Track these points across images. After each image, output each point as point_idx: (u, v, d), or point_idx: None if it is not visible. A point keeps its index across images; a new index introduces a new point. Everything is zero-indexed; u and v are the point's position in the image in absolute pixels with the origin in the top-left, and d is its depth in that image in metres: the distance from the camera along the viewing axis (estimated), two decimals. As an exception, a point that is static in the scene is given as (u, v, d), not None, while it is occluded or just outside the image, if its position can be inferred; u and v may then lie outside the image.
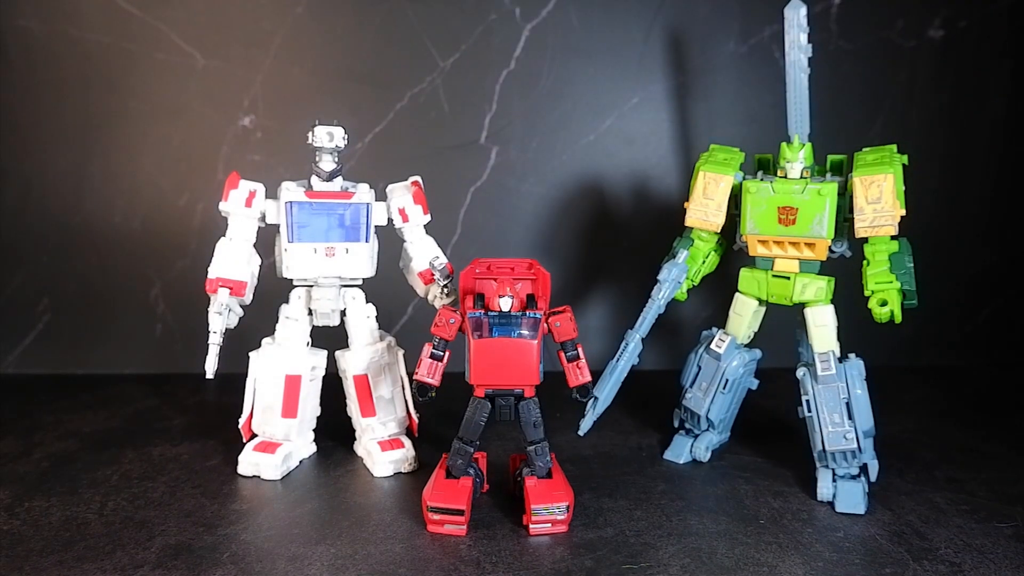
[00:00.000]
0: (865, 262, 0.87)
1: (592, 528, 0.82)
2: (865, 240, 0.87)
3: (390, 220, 0.98)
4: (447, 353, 0.85)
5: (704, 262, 0.98)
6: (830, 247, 0.89)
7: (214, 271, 0.93)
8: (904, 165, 0.86)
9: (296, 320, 0.98)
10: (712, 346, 0.98)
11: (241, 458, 0.96)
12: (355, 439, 1.04)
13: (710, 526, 0.83)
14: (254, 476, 0.95)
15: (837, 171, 0.90)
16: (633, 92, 1.39)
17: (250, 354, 0.98)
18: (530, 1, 1.36)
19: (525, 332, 0.81)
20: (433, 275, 0.99)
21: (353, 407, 1.01)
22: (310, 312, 0.98)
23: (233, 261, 0.94)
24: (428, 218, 0.99)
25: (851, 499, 0.87)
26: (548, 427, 0.84)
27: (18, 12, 1.32)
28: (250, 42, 1.35)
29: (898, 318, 0.84)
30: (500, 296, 0.82)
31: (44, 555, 0.76)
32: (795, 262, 0.92)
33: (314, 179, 0.95)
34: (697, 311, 1.42)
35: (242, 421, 0.98)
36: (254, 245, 0.96)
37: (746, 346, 0.98)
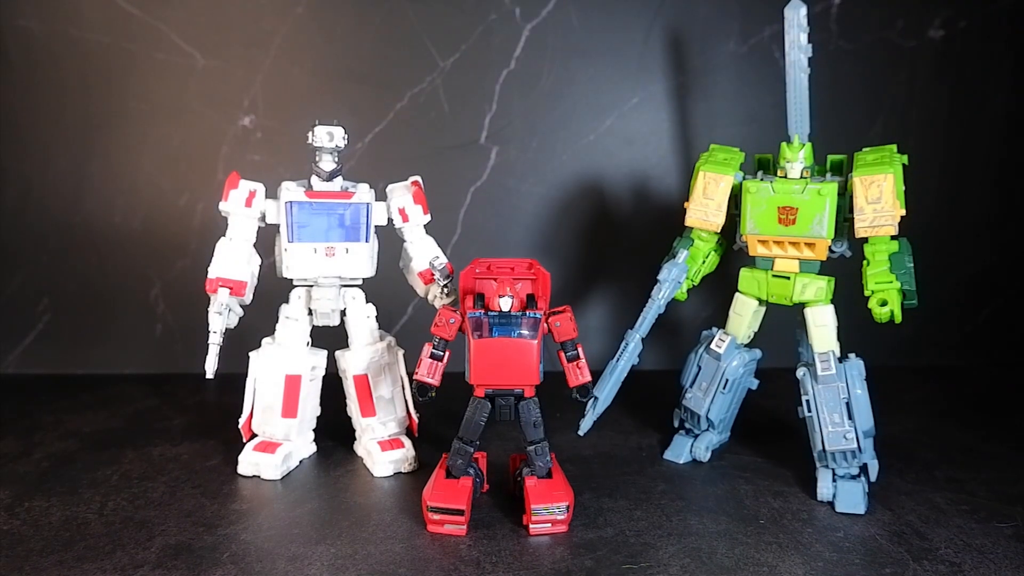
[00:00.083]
0: (865, 262, 0.87)
1: (592, 528, 0.82)
2: (865, 240, 0.87)
3: (390, 220, 0.98)
4: (447, 353, 0.85)
5: (704, 262, 0.98)
6: (830, 247, 0.89)
7: (214, 271, 0.93)
8: (904, 165, 0.86)
9: (296, 320, 0.98)
10: (712, 346, 0.98)
11: (241, 458, 0.96)
12: (355, 439, 1.04)
13: (710, 526, 0.83)
14: (254, 476, 0.95)
15: (837, 171, 0.90)
16: (633, 92, 1.39)
17: (250, 354, 0.98)
18: (530, 1, 1.36)
19: (525, 332, 0.81)
20: (433, 275, 0.99)
21: (353, 407, 1.01)
22: (310, 312, 0.98)
23: (233, 261, 0.94)
24: (428, 218, 0.99)
25: (851, 499, 0.86)
26: (548, 427, 0.84)
27: (18, 12, 1.32)
28: (250, 42, 1.35)
29: (898, 318, 0.84)
30: (500, 296, 0.82)
31: (44, 555, 0.76)
32: (795, 262, 0.92)
33: (314, 179, 0.95)
34: (697, 311, 1.42)
35: (242, 421, 0.98)
36: (254, 245, 0.96)
37: (746, 346, 0.98)
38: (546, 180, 1.41)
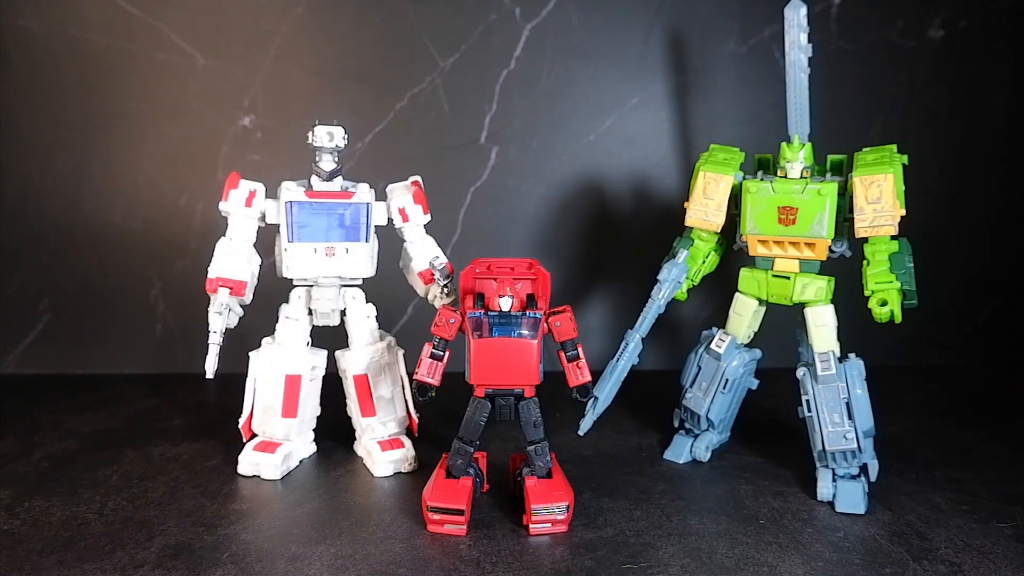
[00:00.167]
0: (865, 262, 0.87)
1: (592, 528, 0.82)
2: (865, 240, 0.87)
3: (390, 220, 0.98)
4: (447, 353, 0.85)
5: (704, 262, 0.98)
6: (830, 247, 0.89)
7: (214, 271, 0.93)
8: (904, 165, 0.86)
9: (296, 320, 0.98)
10: (712, 346, 0.98)
11: (241, 458, 0.96)
12: (355, 439, 1.04)
13: (710, 526, 0.83)
14: (254, 476, 0.95)
15: (837, 171, 0.90)
16: (633, 92, 1.39)
17: (250, 354, 0.98)
18: (530, 1, 1.36)
19: (525, 332, 0.81)
20: (433, 275, 0.99)
21: (353, 407, 1.01)
22: (310, 312, 0.98)
23: (233, 261, 0.94)
24: (428, 218, 0.99)
25: (851, 499, 0.86)
26: (548, 427, 0.84)
27: (18, 12, 1.32)
28: (250, 42, 1.35)
29: (898, 318, 0.84)
30: (500, 296, 0.82)
31: (44, 555, 0.76)
32: (795, 262, 0.92)
33: (314, 179, 0.95)
34: (697, 311, 1.42)
35: (242, 421, 0.98)
36: (254, 245, 0.96)
37: (746, 346, 0.98)
38: (546, 180, 1.41)
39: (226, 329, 0.94)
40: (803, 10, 0.88)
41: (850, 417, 0.88)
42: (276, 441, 0.98)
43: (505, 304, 0.82)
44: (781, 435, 1.08)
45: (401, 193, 0.99)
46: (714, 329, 1.00)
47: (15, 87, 1.35)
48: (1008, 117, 1.42)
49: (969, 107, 1.42)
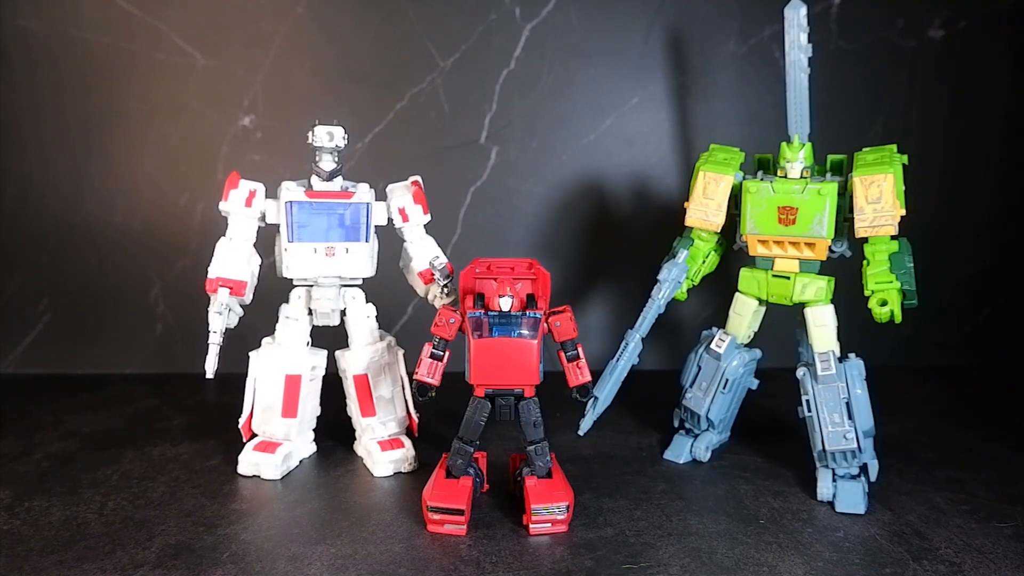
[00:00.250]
0: (865, 262, 0.87)
1: (592, 528, 0.82)
2: (865, 240, 0.87)
3: (390, 220, 0.98)
4: (447, 353, 0.85)
5: (704, 262, 0.98)
6: (830, 247, 0.89)
7: (214, 271, 0.93)
8: (904, 165, 0.86)
9: (296, 320, 0.98)
10: (712, 346, 0.98)
11: (241, 458, 0.96)
12: (355, 439, 1.04)
13: (710, 526, 0.83)
14: (254, 476, 0.95)
15: (837, 171, 0.90)
16: (633, 92, 1.39)
17: (250, 354, 0.98)
18: (530, 1, 1.36)
19: (525, 332, 0.81)
20: (433, 275, 0.99)
21: (353, 407, 1.01)
22: (310, 312, 0.98)
23: (233, 261, 0.94)
24: (428, 218, 0.99)
25: (851, 499, 0.86)
26: (548, 427, 0.84)
27: (18, 12, 1.32)
28: (250, 42, 1.35)
29: (898, 318, 0.84)
30: (500, 296, 0.82)
31: (44, 555, 0.76)
32: (795, 262, 0.92)
33: (314, 179, 0.95)
34: (697, 311, 1.42)
35: (242, 421, 0.98)
36: (254, 245, 0.96)
37: (746, 346, 0.98)
38: (546, 180, 1.41)
39: (226, 329, 0.94)
40: (803, 10, 0.88)
41: (850, 417, 0.88)
42: (276, 441, 0.98)
43: (505, 304, 0.82)
44: (781, 435, 1.08)
45: (401, 193, 0.99)
46: (714, 329, 1.00)
47: (15, 87, 1.35)
48: (1008, 117, 1.42)
49: (969, 107, 1.42)
